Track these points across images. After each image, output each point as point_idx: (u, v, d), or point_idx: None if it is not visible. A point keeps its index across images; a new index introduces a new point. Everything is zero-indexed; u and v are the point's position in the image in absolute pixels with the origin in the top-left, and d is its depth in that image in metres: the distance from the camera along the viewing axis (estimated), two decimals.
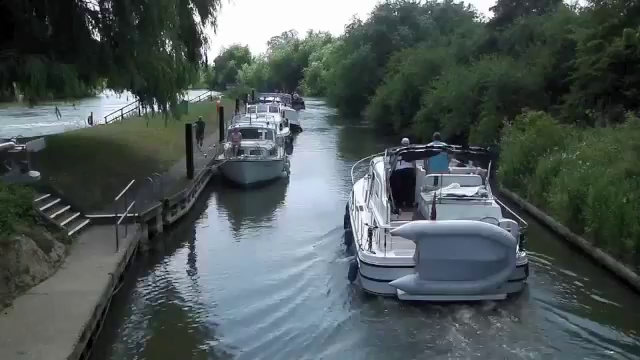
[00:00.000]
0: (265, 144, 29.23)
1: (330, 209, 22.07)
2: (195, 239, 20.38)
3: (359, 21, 78.77)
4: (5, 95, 26.10)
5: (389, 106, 50.35)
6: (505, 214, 14.76)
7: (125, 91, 24.39)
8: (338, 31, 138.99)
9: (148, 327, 12.40)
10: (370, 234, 14.05)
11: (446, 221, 13.36)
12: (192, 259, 18.31)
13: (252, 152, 27.90)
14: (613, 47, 22.99)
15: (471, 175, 16.08)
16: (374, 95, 56.06)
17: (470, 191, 14.87)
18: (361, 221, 15.59)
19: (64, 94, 20.71)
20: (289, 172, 31.22)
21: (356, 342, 11.73)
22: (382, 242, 13.80)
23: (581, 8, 33.24)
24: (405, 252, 13.45)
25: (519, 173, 22.71)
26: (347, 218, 18.44)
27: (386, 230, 13.80)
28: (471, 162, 16.95)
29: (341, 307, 13.35)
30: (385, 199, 14.95)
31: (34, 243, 13.27)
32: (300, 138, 49.77)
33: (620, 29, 23.25)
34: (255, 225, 21.53)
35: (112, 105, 43.46)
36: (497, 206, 14.72)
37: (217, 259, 17.34)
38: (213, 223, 22.60)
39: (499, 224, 13.56)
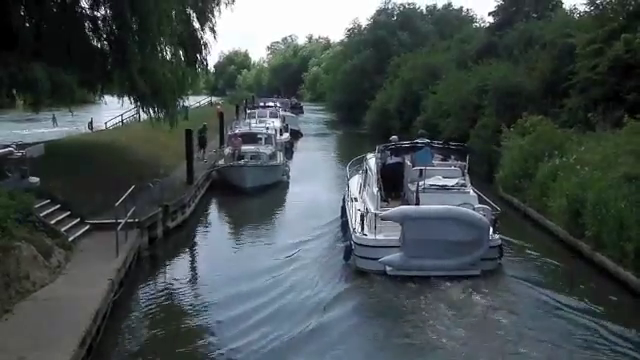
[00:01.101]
0: (265, 149, 29.28)
1: (328, 207, 22.95)
2: (195, 244, 20.36)
3: (359, 26, 78.96)
4: (5, 101, 26.16)
5: (388, 111, 50.39)
6: (482, 201, 16.67)
7: (125, 97, 24.47)
8: (338, 37, 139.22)
9: (148, 333, 12.40)
10: (362, 219, 16.12)
11: (427, 206, 15.42)
12: (192, 264, 18.31)
13: (252, 157, 27.93)
14: (613, 51, 22.99)
15: (452, 168, 18.16)
16: (373, 100, 56.08)
17: (451, 182, 17.06)
18: (355, 209, 17.46)
19: (64, 100, 20.75)
20: (289, 177, 31.24)
21: (351, 309, 13.61)
22: (373, 226, 15.74)
23: (580, 13, 33.29)
24: (392, 234, 15.45)
25: (519, 178, 22.71)
26: (343, 209, 20.07)
27: (376, 215, 15.81)
28: (453, 157, 18.96)
29: (338, 282, 15.25)
30: (376, 189, 17.09)
31: (34, 249, 13.25)
32: (300, 143, 49.81)
33: (619, 33, 23.24)
34: (255, 228, 21.68)
35: (112, 111, 43.52)
36: (474, 194, 16.82)
37: (217, 264, 17.38)
38: (213, 228, 22.62)
39: (474, 209, 15.55)
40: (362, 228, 15.95)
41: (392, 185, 17.98)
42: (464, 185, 17.09)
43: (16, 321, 10.94)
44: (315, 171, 34.71)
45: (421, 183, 16.44)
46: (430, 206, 15.38)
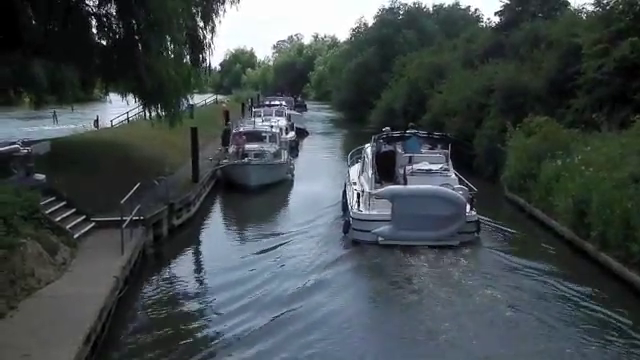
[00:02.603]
0: (269, 147, 29.24)
1: (331, 197, 24.42)
2: (200, 242, 20.41)
3: (365, 25, 78.82)
4: (13, 98, 26.23)
5: (394, 110, 50.28)
6: (461, 183, 19.44)
7: (130, 95, 24.47)
8: (344, 35, 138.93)
9: (153, 330, 12.41)
10: (359, 198, 18.88)
11: (413, 185, 18.47)
12: (197, 262, 18.34)
13: (256, 155, 27.89)
14: (619, 52, 22.90)
15: (437, 155, 21.24)
16: (379, 99, 55.99)
17: (435, 167, 20.10)
18: (353, 190, 20.17)
19: (67, 98, 20.76)
20: (293, 175, 31.23)
21: (348, 269, 16.28)
22: (367, 203, 18.55)
23: (587, 12, 33.15)
24: (384, 210, 18.00)
25: (524, 178, 22.65)
26: (344, 192, 22.50)
27: (370, 194, 18.54)
28: (439, 145, 21.95)
29: (337, 249, 17.85)
30: (371, 172, 19.87)
31: (40, 246, 13.29)
32: (306, 142, 49.77)
33: (626, 33, 23.15)
34: (261, 222, 22.05)
35: (118, 109, 43.56)
36: (455, 177, 19.70)
37: (223, 260, 17.31)
38: (218, 226, 22.65)
39: (453, 189, 18.25)
40: (358, 205, 18.70)
41: (385, 169, 20.58)
42: (447, 169, 20.14)
43: (21, 318, 10.97)
44: (321, 169, 34.72)
45: (409, 167, 19.83)
46: (416, 186, 18.37)
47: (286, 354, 11.21)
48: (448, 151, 21.21)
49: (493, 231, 19.89)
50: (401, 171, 19.92)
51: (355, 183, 21.28)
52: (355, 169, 23.52)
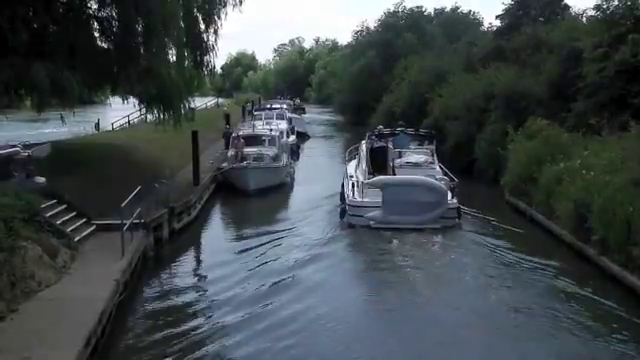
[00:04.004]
0: (268, 150, 29.21)
1: (329, 195, 25.91)
2: (201, 246, 20.41)
3: (367, 28, 78.82)
4: (14, 102, 26.20)
5: (395, 113, 50.18)
6: (444, 174, 22.10)
7: (131, 98, 24.47)
8: (345, 39, 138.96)
9: (153, 334, 12.38)
10: (353, 187, 21.57)
11: (400, 176, 21.45)
12: (198, 266, 18.34)
13: (255, 159, 27.88)
14: (620, 55, 22.89)
15: (424, 150, 24.44)
16: (380, 102, 55.92)
17: (422, 160, 23.19)
18: (349, 181, 22.69)
19: (68, 101, 20.73)
20: (293, 178, 31.21)
21: (343, 246, 19.04)
22: (361, 191, 21.04)
23: (588, 16, 33.12)
24: (376, 197, 20.44)
25: (525, 181, 22.61)
26: (342, 184, 24.67)
27: (363, 183, 21.14)
28: (426, 142, 25.04)
29: (334, 231, 20.47)
30: (365, 164, 22.72)
31: (40, 249, 13.29)
32: (307, 145, 49.75)
33: (627, 37, 23.16)
34: (261, 223, 22.18)
35: (119, 112, 43.59)
36: (439, 169, 22.64)
37: (223, 264, 17.28)
38: (219, 229, 22.67)
39: (436, 179, 20.78)
40: (353, 194, 21.32)
41: (378, 163, 23.02)
42: (432, 162, 23.26)
43: (21, 321, 10.97)
44: (321, 172, 34.68)
45: (398, 160, 22.96)
46: (403, 176, 21.28)
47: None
48: (433, 147, 24.58)
49: (489, 226, 21.41)
50: (391, 164, 22.63)
51: (352, 176, 23.61)
52: (352, 164, 25.96)
